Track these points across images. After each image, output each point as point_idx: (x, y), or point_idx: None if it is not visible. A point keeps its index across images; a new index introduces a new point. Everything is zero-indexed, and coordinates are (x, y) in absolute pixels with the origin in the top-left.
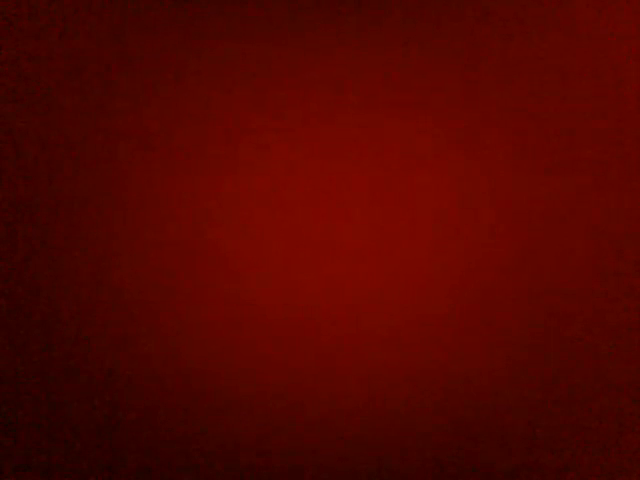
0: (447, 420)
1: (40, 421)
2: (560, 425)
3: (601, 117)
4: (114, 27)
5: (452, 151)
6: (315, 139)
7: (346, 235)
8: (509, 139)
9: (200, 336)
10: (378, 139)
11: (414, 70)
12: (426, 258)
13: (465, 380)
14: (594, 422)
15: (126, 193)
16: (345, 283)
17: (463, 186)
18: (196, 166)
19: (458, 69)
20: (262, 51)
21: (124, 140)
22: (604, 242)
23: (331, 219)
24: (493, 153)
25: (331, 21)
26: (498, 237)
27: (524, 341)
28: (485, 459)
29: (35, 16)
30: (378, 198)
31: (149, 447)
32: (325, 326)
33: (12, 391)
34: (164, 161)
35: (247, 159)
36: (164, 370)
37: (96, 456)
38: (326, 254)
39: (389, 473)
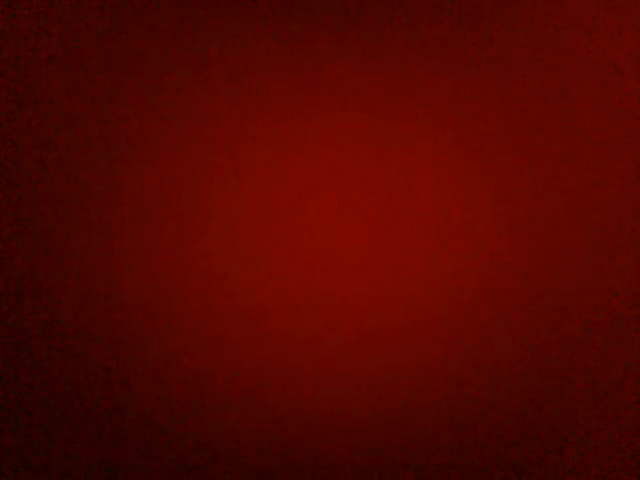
0: (447, 420)
1: (40, 421)
2: (560, 425)
3: (601, 117)
4: (114, 27)
5: (452, 153)
6: (314, 141)
7: (346, 236)
8: (510, 140)
9: (199, 338)
10: (378, 141)
11: (414, 71)
12: (426, 260)
13: (465, 380)
14: (594, 422)
15: (122, 196)
16: (345, 284)
17: (463, 188)
18: (194, 169)
19: (458, 69)
20: (262, 53)
21: (121, 141)
22: (605, 241)
23: (332, 221)
24: (494, 154)
25: (331, 23)
26: (499, 238)
27: (524, 341)
28: (485, 459)
29: (35, 16)
30: (379, 201)
31: (149, 449)
32: (325, 328)
33: (12, 391)
34: (162, 163)
35: (247, 161)
36: (163, 372)
37: (96, 456)
38: (326, 257)
39: (389, 473)
